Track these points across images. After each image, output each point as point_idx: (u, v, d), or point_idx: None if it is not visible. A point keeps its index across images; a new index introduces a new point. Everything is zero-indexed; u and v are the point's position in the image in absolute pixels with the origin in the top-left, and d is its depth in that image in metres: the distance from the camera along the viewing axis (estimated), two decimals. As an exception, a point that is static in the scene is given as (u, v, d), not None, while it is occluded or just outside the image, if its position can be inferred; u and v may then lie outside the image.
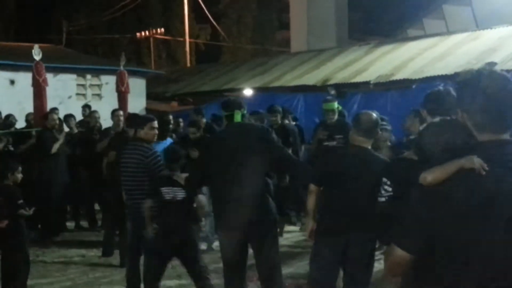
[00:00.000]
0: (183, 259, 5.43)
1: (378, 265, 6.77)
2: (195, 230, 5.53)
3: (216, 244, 8.33)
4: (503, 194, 1.98)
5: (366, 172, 4.32)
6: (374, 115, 4.50)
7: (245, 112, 4.99)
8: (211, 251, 8.09)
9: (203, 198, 5.44)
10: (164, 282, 6.33)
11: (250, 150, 4.64)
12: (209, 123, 8.81)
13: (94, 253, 7.88)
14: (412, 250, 2.09)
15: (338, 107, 7.79)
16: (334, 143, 7.63)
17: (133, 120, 6.52)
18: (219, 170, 4.71)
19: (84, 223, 9.45)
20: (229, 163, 4.67)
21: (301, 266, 6.35)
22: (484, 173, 1.97)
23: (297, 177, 4.75)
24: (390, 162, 3.92)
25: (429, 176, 2.05)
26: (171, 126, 8.48)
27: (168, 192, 5.20)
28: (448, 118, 2.33)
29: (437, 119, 2.44)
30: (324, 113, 7.88)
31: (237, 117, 4.81)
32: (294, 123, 9.59)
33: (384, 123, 7.17)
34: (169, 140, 7.58)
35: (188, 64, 25.27)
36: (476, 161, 1.99)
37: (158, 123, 6.14)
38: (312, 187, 4.55)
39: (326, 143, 7.71)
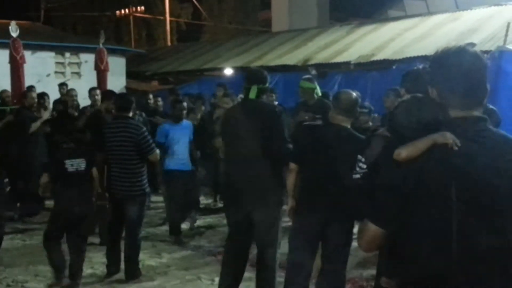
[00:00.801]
0: (77, 231, 5.62)
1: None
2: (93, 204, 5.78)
3: (197, 223, 8.37)
4: (476, 169, 2.01)
5: (344, 150, 4.35)
6: (354, 94, 4.54)
7: (264, 87, 4.93)
8: (195, 229, 8.12)
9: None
10: (145, 262, 6.35)
11: (253, 129, 4.71)
12: None
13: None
14: (385, 225, 2.11)
15: (315, 89, 7.62)
16: (319, 122, 7.60)
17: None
18: (227, 146, 5.09)
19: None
20: (233, 140, 4.91)
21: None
22: (456, 148, 2.00)
23: (278, 156, 4.75)
24: (365, 139, 3.96)
25: (403, 152, 2.06)
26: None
27: (72, 165, 5.42)
28: (420, 95, 2.34)
29: (408, 96, 2.45)
30: (302, 92, 7.62)
31: (252, 93, 4.83)
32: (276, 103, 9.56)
33: (364, 110, 7.21)
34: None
35: (169, 43, 25.05)
36: (449, 137, 2.02)
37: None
38: (292, 165, 4.57)
39: (307, 123, 7.68)
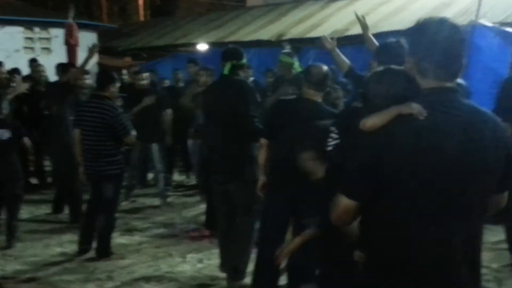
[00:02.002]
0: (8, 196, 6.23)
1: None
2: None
3: (170, 199, 8.31)
4: (444, 139, 1.99)
5: (314, 125, 4.30)
6: (325, 67, 4.48)
7: (238, 63, 4.94)
8: (166, 206, 8.05)
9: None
10: (117, 240, 6.28)
11: (226, 106, 4.81)
12: None
13: (43, 210, 7.74)
14: (357, 197, 2.08)
15: (292, 63, 7.51)
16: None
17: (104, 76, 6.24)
18: (206, 122, 5.33)
19: (34, 180, 9.24)
20: (210, 116, 5.11)
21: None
22: (422, 118, 1.99)
23: (248, 133, 4.72)
24: (336, 113, 3.92)
25: (368, 122, 2.05)
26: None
27: None
28: (393, 66, 2.29)
29: (381, 68, 2.42)
30: (281, 66, 7.44)
31: (226, 70, 4.93)
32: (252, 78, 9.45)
33: (337, 86, 7.14)
34: None
35: (142, 18, 24.67)
36: (414, 107, 2.01)
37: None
38: (263, 140, 4.52)
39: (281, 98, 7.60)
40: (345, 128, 3.38)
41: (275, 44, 12.00)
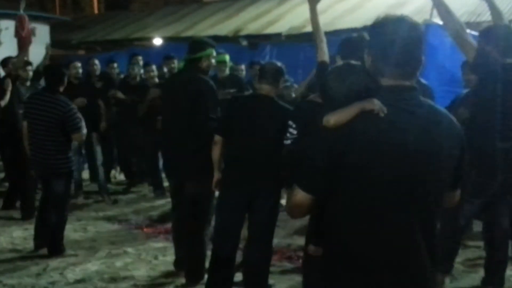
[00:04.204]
0: None
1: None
2: None
3: (124, 196, 8.21)
4: (404, 136, 2.02)
5: (269, 120, 4.33)
6: (278, 63, 4.55)
7: (193, 56, 4.87)
8: (120, 202, 7.95)
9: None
10: (70, 236, 6.17)
11: (184, 103, 4.78)
12: None
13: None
14: (313, 191, 2.09)
15: (226, 61, 7.50)
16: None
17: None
18: (163, 118, 5.30)
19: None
20: (168, 112, 5.11)
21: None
22: (382, 115, 2.01)
23: (204, 131, 4.67)
24: (291, 109, 3.93)
25: (332, 119, 2.06)
26: None
27: None
28: (353, 62, 2.31)
29: (341, 63, 2.43)
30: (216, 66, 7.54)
31: (181, 65, 4.96)
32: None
33: (287, 83, 7.18)
34: None
35: (96, 11, 24.25)
36: (376, 103, 2.03)
37: None
38: (217, 138, 4.50)
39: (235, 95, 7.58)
40: (304, 123, 3.39)
41: (232, 39, 11.96)
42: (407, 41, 2.07)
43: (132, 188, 8.78)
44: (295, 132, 3.54)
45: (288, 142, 3.60)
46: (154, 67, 8.32)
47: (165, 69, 8.33)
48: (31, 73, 7.84)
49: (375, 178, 2.01)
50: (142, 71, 8.68)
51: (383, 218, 2.04)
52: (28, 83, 7.77)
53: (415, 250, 2.06)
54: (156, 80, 8.21)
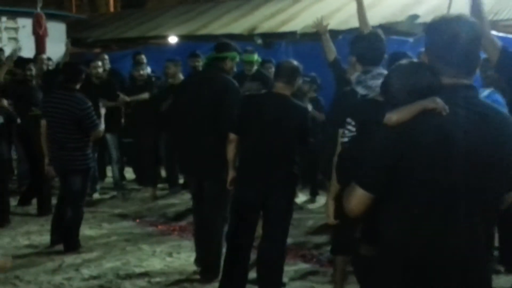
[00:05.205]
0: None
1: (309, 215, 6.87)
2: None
3: (140, 193, 8.24)
4: (465, 135, 2.01)
5: (284, 119, 4.32)
6: (295, 62, 4.50)
7: (219, 55, 4.90)
8: (136, 199, 7.99)
9: None
10: (85, 232, 6.21)
11: (206, 102, 4.80)
12: None
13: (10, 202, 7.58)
14: (373, 189, 2.09)
15: (257, 60, 7.49)
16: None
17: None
18: (181, 117, 5.18)
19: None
20: (187, 110, 5.01)
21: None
22: (445, 113, 2.01)
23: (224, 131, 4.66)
24: (357, 102, 3.86)
25: (394, 117, 2.06)
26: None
27: None
28: (415, 60, 2.32)
29: (404, 61, 2.42)
30: (243, 64, 7.37)
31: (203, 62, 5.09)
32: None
33: (306, 79, 7.17)
34: None
35: (112, 9, 24.36)
36: (438, 102, 2.03)
37: None
38: (232, 136, 4.50)
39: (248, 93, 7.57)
40: (363, 121, 3.35)
41: (247, 38, 11.96)
42: (466, 40, 2.07)
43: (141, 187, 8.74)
44: (353, 129, 3.49)
45: (345, 139, 3.55)
46: (173, 63, 8.19)
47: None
48: (33, 72, 7.85)
49: (436, 178, 2.00)
50: (148, 69, 8.65)
51: (443, 220, 2.02)
52: (34, 82, 7.80)
53: (476, 253, 2.05)
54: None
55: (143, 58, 8.76)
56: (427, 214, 2.03)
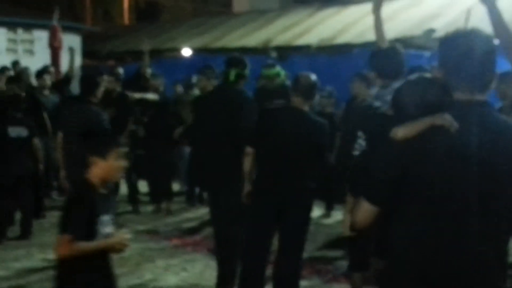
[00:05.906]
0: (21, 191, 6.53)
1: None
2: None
3: (152, 207, 8.20)
4: (476, 152, 1.98)
5: (300, 133, 4.29)
6: (313, 76, 4.47)
7: (242, 71, 4.91)
8: (149, 213, 7.96)
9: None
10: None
11: (224, 116, 4.79)
12: None
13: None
14: (379, 203, 2.09)
15: (278, 72, 7.34)
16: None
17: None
18: (201, 131, 5.18)
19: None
20: (204, 124, 5.05)
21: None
22: (453, 130, 1.98)
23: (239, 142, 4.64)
24: (367, 115, 3.85)
25: (400, 132, 2.05)
26: None
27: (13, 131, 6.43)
28: (427, 75, 2.29)
29: (414, 75, 2.40)
30: (263, 78, 7.39)
31: (231, 76, 4.88)
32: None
33: (324, 94, 7.12)
34: None
35: (126, 22, 24.54)
36: (447, 118, 2.00)
37: None
38: (248, 149, 4.48)
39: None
40: (373, 135, 3.34)
41: (262, 51, 11.97)
42: (481, 55, 2.04)
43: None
44: (364, 143, 3.48)
45: (356, 153, 3.54)
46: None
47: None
48: (48, 82, 7.88)
49: (441, 193, 1.99)
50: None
51: (451, 232, 2.00)
52: (47, 92, 7.84)
53: (485, 265, 2.01)
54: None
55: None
56: (432, 227, 2.02)
